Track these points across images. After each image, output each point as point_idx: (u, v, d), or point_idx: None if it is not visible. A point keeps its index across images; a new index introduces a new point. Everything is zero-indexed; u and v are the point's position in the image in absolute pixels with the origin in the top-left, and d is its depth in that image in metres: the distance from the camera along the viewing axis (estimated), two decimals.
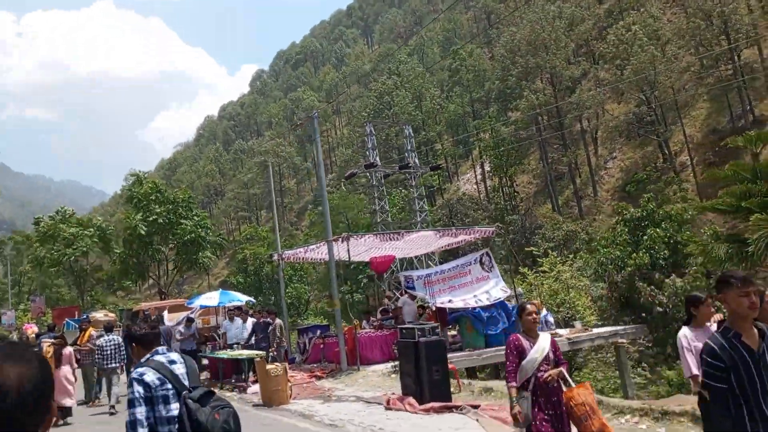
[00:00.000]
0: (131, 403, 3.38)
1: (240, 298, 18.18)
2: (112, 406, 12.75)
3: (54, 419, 1.56)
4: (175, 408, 3.39)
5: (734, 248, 14.31)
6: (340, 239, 15.09)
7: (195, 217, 29.92)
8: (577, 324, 19.27)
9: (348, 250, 15.14)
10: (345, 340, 15.51)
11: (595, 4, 76.31)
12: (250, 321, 16.85)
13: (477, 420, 8.71)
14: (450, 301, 16.10)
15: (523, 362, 5.08)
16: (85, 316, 24.91)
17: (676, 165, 57.75)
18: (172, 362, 3.61)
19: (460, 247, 30.76)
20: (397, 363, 14.35)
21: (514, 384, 5.10)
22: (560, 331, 17.75)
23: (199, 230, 29.29)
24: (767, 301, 4.03)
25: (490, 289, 16.59)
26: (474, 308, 16.05)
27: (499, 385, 10.97)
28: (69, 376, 12.50)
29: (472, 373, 15.55)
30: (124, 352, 13.41)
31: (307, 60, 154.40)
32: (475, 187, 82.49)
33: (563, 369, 5.16)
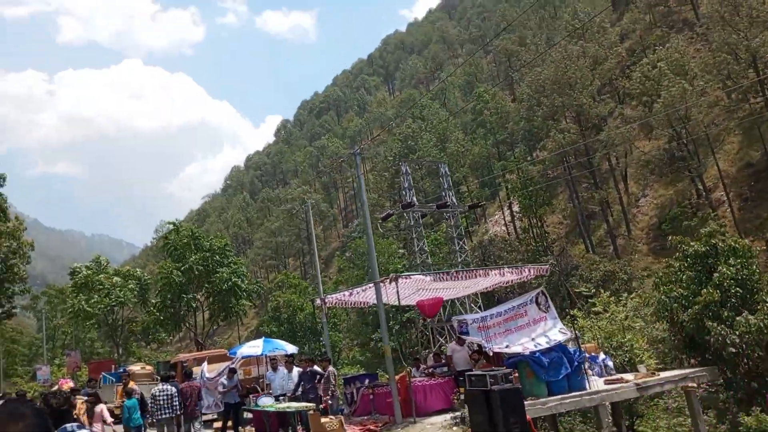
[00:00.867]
0: None
1: (284, 347, 17.42)
2: None
3: None
4: None
5: None
6: (388, 280, 14.34)
7: (232, 265, 29.49)
8: (641, 368, 18.10)
9: (397, 292, 14.37)
10: (398, 390, 14.58)
11: (617, 44, 76.23)
12: (296, 370, 16.04)
13: None
14: (507, 346, 15.16)
15: None
16: (123, 370, 24.31)
17: (712, 201, 56.35)
18: None
19: (499, 289, 29.81)
20: (457, 413, 13.45)
21: None
22: (626, 376, 16.64)
23: (236, 278, 28.78)
24: None
25: (547, 331, 15.64)
26: (533, 353, 15.06)
27: None
28: None
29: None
30: (178, 403, 13.26)
31: (330, 108, 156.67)
32: (503, 228, 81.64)
33: None
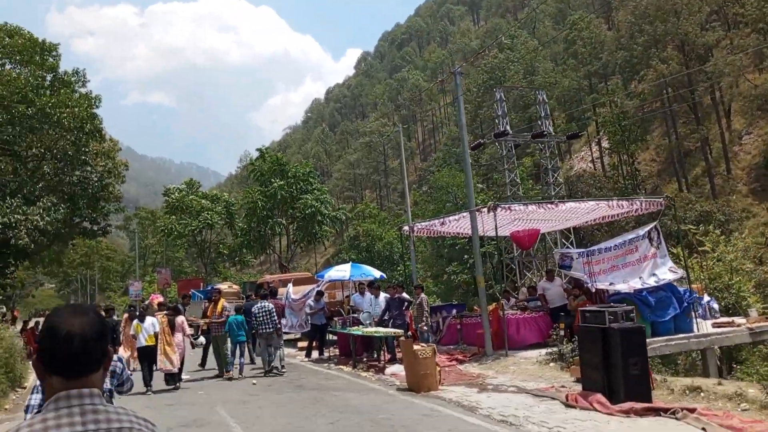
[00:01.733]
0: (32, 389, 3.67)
1: (372, 273, 17.03)
2: (281, 367, 13.59)
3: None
4: None
5: None
6: (486, 209, 13.41)
7: (315, 192, 29.26)
8: (753, 312, 16.58)
9: (495, 221, 13.44)
10: (489, 322, 13.89)
11: None
12: (383, 296, 15.63)
13: (704, 429, 6.82)
14: (611, 283, 14.04)
15: None
16: (211, 288, 24.90)
17: None
18: None
19: (587, 227, 28.22)
20: (553, 349, 12.65)
21: None
22: (738, 320, 15.23)
23: (319, 204, 28.55)
24: None
25: (657, 270, 14.35)
26: (640, 291, 13.90)
27: (707, 383, 8.95)
28: (180, 343, 13.01)
29: None
30: (275, 318, 14.02)
31: (412, 40, 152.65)
32: (590, 165, 78.02)
33: None
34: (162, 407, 10.43)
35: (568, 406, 8.64)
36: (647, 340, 13.42)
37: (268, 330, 13.80)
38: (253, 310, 14.16)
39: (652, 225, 15.27)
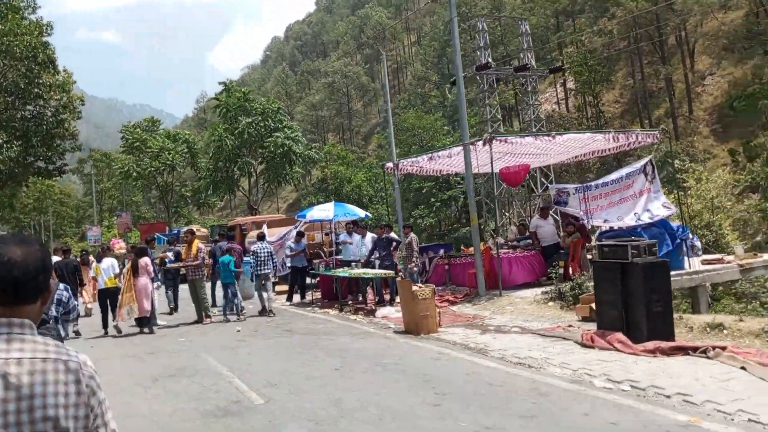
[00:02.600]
0: None
1: (357, 212, 16.21)
2: (270, 311, 13.35)
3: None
4: None
5: None
6: (482, 142, 12.64)
7: (286, 129, 27.77)
8: (738, 249, 16.47)
9: (491, 155, 12.70)
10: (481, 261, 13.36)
11: None
12: (370, 236, 14.92)
13: (743, 368, 6.38)
14: (605, 220, 13.60)
15: None
16: (177, 231, 23.78)
17: None
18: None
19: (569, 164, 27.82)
20: (548, 288, 12.23)
21: None
22: (728, 257, 15.07)
23: (291, 143, 27.18)
24: None
25: (651, 205, 13.96)
26: (634, 228, 13.50)
27: (727, 320, 8.57)
28: (148, 287, 12.14)
29: None
30: (276, 260, 13.95)
31: None
32: (555, 107, 77.84)
33: None
34: (142, 355, 9.63)
35: (584, 346, 8.17)
36: None
37: (266, 270, 13.55)
38: (253, 249, 13.93)
39: (647, 159, 14.82)
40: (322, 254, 16.98)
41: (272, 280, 14.14)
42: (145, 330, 12.08)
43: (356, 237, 14.80)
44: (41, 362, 1.53)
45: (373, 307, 13.31)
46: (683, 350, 7.31)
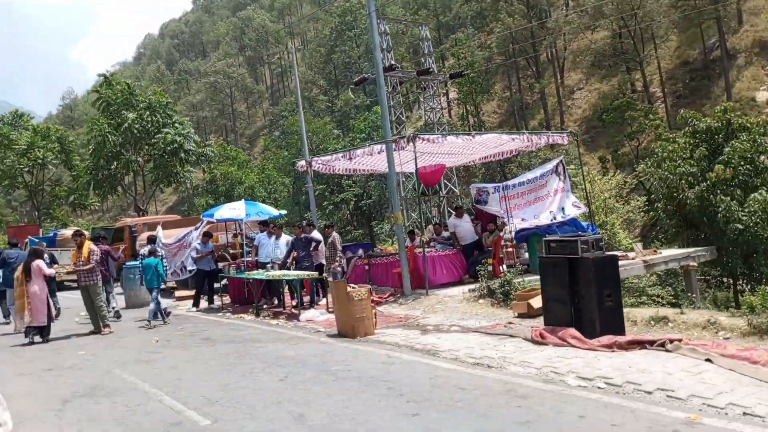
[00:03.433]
0: None
1: (269, 211, 15.19)
2: (165, 316, 12.52)
3: None
4: None
5: None
6: (405, 139, 12.26)
7: (176, 125, 25.71)
8: (637, 246, 17.31)
9: (415, 154, 12.35)
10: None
11: None
12: (285, 237, 14.07)
13: (709, 360, 6.40)
14: (523, 219, 13.73)
15: None
16: (53, 234, 21.39)
17: (651, 96, 56.73)
18: None
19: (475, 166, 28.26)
20: (474, 286, 12.09)
21: None
22: (631, 254, 15.75)
23: (183, 140, 25.19)
24: None
25: (564, 204, 14.30)
26: (549, 226, 13.74)
27: (669, 313, 8.71)
28: (42, 293, 10.90)
29: None
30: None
31: None
32: (431, 116, 79.74)
33: None
34: (41, 373, 8.23)
35: (535, 343, 7.95)
36: None
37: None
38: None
39: (558, 159, 15.19)
40: (227, 257, 15.80)
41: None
42: (36, 339, 10.57)
43: (270, 237, 13.89)
44: None
45: (294, 310, 12.50)
46: (640, 344, 7.27)
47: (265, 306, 13.26)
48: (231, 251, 16.25)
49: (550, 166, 14.57)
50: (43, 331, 10.87)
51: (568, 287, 8.05)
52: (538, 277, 12.94)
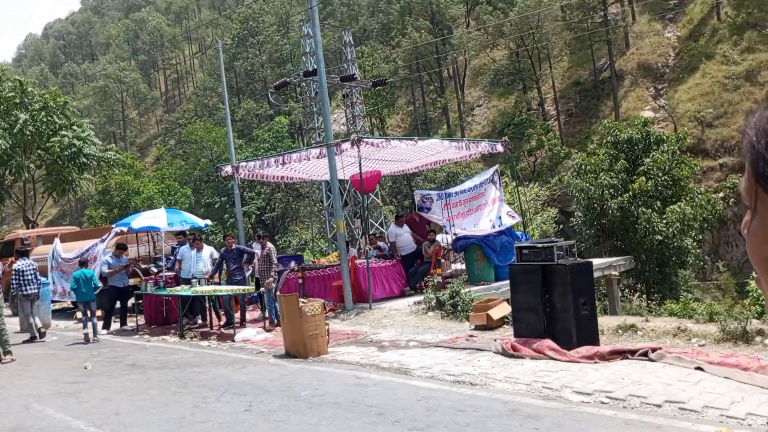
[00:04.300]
0: None
1: (195, 221, 13.83)
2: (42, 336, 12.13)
3: None
4: None
5: None
6: (350, 143, 11.58)
7: (75, 128, 23.20)
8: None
9: (359, 158, 11.70)
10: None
11: None
12: (209, 249, 12.92)
13: (700, 368, 6.22)
14: (464, 228, 13.44)
15: None
16: None
17: (546, 113, 59.52)
18: None
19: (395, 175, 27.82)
20: (419, 298, 11.61)
21: None
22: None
23: (82, 144, 22.73)
24: None
25: (500, 214, 14.16)
26: (487, 235, 13.52)
27: (635, 321, 8.58)
28: None
29: None
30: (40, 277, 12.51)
31: None
32: (344, 128, 79.69)
33: None
34: None
35: (509, 356, 7.53)
36: (496, 284, 13.23)
37: (33, 290, 11.95)
38: (17, 267, 11.91)
39: (494, 168, 15.06)
40: (139, 272, 14.30)
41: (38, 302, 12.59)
42: None
43: (186, 249, 12.67)
44: None
45: (224, 330, 11.42)
46: (621, 354, 7.03)
47: (188, 326, 12.06)
48: (143, 266, 14.76)
49: (487, 175, 14.41)
50: None
51: (541, 295, 7.72)
52: (482, 287, 12.79)
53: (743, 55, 46.14)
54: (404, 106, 74.78)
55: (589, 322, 7.52)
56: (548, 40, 58.49)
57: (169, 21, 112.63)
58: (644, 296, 17.85)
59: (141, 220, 12.70)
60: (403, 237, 13.40)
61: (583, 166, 18.26)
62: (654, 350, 6.88)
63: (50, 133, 22.10)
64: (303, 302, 8.82)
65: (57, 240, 16.05)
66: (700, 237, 17.33)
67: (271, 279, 11.18)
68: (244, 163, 14.23)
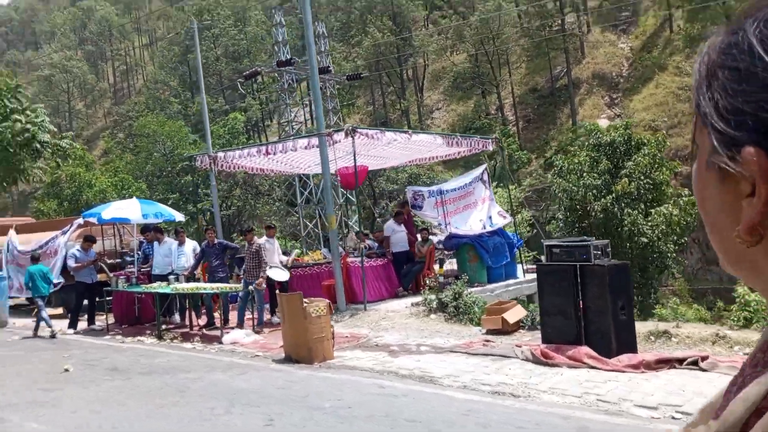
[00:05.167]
0: None
1: (171, 213, 12.67)
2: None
3: None
4: None
5: None
6: (344, 133, 10.83)
7: (28, 112, 21.39)
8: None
9: (353, 149, 10.95)
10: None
11: None
12: (191, 243, 11.93)
13: None
14: (456, 227, 12.86)
15: None
16: None
17: (505, 119, 59.92)
18: None
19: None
20: (417, 300, 11.00)
21: None
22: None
23: (36, 129, 20.95)
24: None
25: (491, 214, 13.65)
26: (480, 235, 12.99)
27: (668, 327, 8.12)
28: None
29: None
30: None
31: None
32: (304, 126, 78.71)
33: None
34: None
35: (540, 363, 6.94)
36: (491, 285, 12.70)
37: None
38: None
39: (483, 167, 14.55)
40: (105, 268, 13.12)
41: None
42: None
43: (168, 244, 11.62)
44: None
45: (206, 331, 10.49)
46: (667, 362, 6.52)
47: (164, 327, 11.04)
48: (108, 261, 13.57)
49: (476, 173, 13.88)
50: None
51: (573, 299, 7.16)
52: (477, 289, 12.22)
53: None
54: (363, 107, 74.16)
55: (627, 328, 6.99)
56: (508, 45, 58.86)
57: (118, 11, 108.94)
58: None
59: (111, 211, 11.56)
60: (399, 235, 12.68)
61: (565, 167, 17.99)
62: (703, 359, 6.41)
63: (0, 117, 20.48)
64: (306, 302, 8.02)
65: (12, 231, 14.72)
66: (683, 241, 17.26)
67: (261, 279, 10.29)
68: (222, 153, 13.24)
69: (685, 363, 6.45)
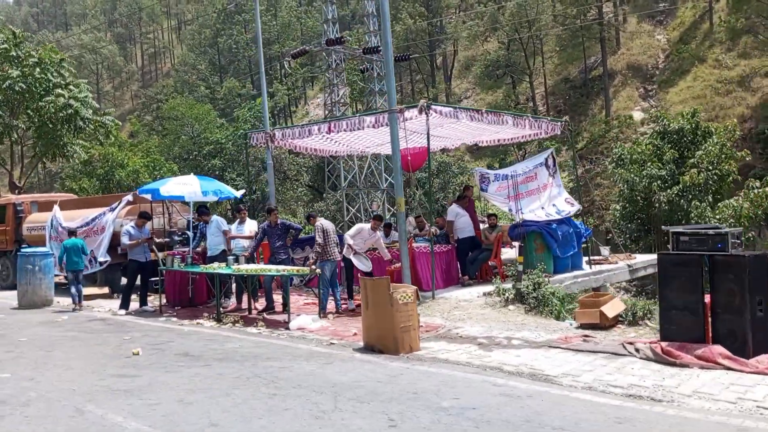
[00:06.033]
0: None
1: (230, 191, 12.09)
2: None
3: None
4: None
5: None
6: (417, 109, 10.12)
7: (72, 87, 20.94)
8: (604, 251, 16.34)
9: (427, 127, 10.24)
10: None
11: None
12: (251, 223, 11.34)
13: None
14: (521, 212, 12.10)
15: None
16: None
17: (535, 109, 58.76)
18: None
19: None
20: (490, 289, 10.31)
21: None
22: (611, 258, 14.64)
23: (79, 105, 20.50)
24: None
25: (556, 201, 12.87)
26: (549, 223, 12.21)
27: None
28: None
29: None
30: None
31: None
32: (322, 112, 78.27)
33: None
34: None
35: (663, 363, 6.21)
36: (560, 276, 11.93)
37: None
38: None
39: (549, 151, 13.76)
40: (154, 248, 12.58)
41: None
42: None
43: (216, 222, 11.07)
44: None
45: (266, 315, 9.92)
46: None
47: (221, 309, 10.45)
48: (157, 240, 13.05)
49: (540, 159, 13.11)
50: None
51: (701, 292, 6.41)
52: (558, 277, 11.49)
53: (737, 60, 45.71)
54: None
55: (764, 326, 6.23)
56: (543, 33, 57.51)
57: None
58: None
59: (170, 186, 10.96)
60: (464, 218, 11.96)
61: (626, 156, 17.11)
62: None
63: (42, 92, 19.99)
64: (400, 289, 7.35)
65: (56, 207, 14.25)
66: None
67: (314, 259, 9.68)
68: (279, 132, 12.57)
69: None
